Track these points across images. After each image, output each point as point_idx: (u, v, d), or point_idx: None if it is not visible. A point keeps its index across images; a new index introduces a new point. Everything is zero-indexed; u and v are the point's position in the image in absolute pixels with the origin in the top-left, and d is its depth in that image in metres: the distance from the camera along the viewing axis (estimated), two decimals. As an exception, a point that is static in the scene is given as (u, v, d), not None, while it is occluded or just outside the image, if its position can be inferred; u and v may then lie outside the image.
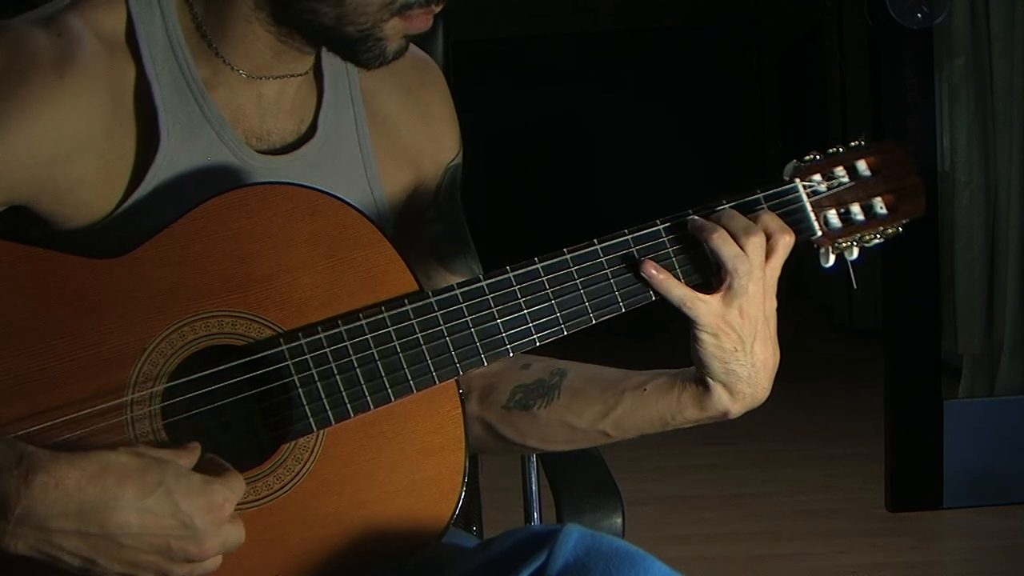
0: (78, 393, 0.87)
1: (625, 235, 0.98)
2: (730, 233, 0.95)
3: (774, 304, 0.99)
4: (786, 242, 0.97)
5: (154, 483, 0.81)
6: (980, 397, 3.29)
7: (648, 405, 1.02)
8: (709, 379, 0.98)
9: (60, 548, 0.79)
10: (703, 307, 0.96)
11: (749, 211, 0.98)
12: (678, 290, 0.96)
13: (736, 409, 1.00)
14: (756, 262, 0.95)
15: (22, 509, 0.78)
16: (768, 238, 0.96)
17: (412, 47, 1.13)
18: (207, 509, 0.82)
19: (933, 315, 3.01)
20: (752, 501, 3.23)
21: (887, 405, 3.03)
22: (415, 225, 1.12)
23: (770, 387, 1.00)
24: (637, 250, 0.97)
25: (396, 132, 1.11)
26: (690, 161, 7.32)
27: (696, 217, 0.98)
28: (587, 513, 1.16)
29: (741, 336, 0.97)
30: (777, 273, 0.98)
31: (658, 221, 0.98)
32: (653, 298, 0.98)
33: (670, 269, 0.97)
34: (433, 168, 1.14)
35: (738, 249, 0.94)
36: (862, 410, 3.91)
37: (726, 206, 0.99)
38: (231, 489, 0.84)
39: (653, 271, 0.96)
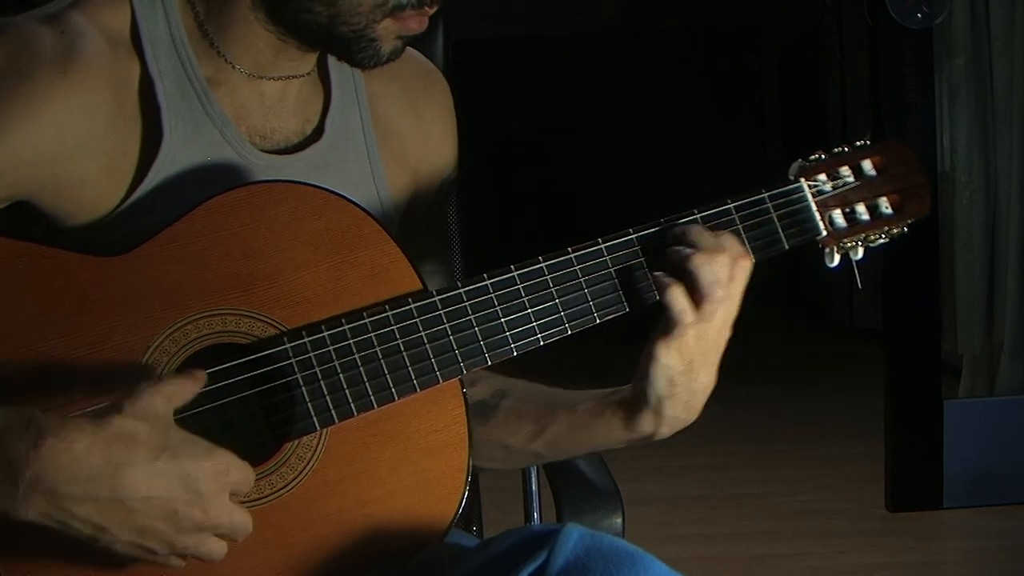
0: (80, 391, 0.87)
1: (630, 235, 0.97)
2: (699, 250, 0.94)
3: (728, 335, 0.97)
4: (744, 267, 0.95)
5: (160, 447, 0.80)
6: (980, 397, 3.29)
7: (579, 426, 1.02)
8: (642, 401, 0.97)
9: (71, 515, 0.79)
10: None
11: (754, 211, 0.98)
12: (681, 302, 0.94)
13: (664, 431, 0.99)
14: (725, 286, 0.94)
15: (32, 473, 0.77)
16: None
17: (421, 57, 1.13)
18: (212, 473, 0.82)
19: (933, 315, 3.01)
20: (752, 501, 3.22)
21: (887, 405, 3.02)
22: (405, 236, 1.12)
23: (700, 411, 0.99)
24: (641, 249, 0.97)
25: (398, 137, 1.10)
26: (691, 162, 7.31)
27: (679, 229, 0.96)
28: (587, 513, 1.15)
29: (692, 360, 0.95)
30: (738, 302, 0.96)
31: (662, 220, 0.98)
32: (657, 297, 0.97)
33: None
34: (430, 180, 1.13)
35: (717, 276, 0.93)
36: (862, 410, 3.91)
37: (730, 205, 0.99)
38: (234, 463, 0.84)
39: (666, 279, 0.95)
